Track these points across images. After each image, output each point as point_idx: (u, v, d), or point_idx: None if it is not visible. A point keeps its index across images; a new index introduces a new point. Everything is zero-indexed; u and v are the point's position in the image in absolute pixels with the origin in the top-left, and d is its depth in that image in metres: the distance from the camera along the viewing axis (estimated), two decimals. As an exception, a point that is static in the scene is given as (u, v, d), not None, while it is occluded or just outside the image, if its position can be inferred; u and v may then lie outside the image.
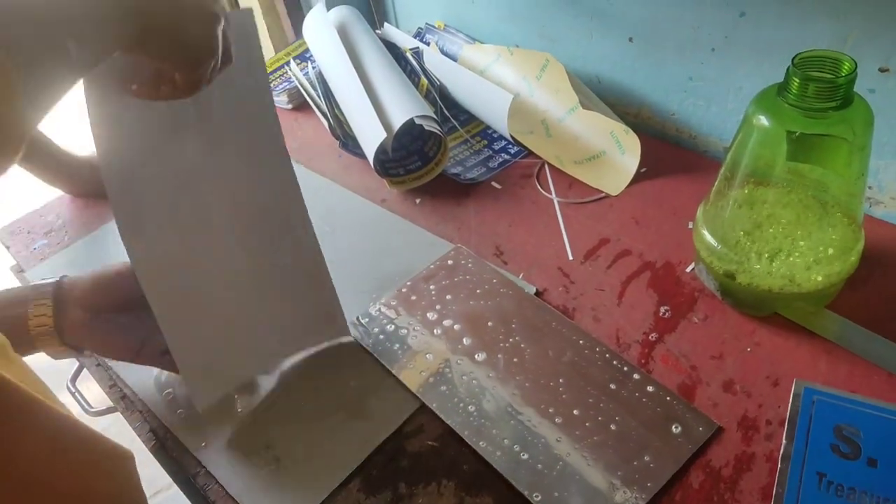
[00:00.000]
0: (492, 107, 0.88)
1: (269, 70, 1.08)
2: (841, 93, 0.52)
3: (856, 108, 0.53)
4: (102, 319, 0.58)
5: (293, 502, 0.56)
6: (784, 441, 0.54)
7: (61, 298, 0.57)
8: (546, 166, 0.86)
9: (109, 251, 0.83)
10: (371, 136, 0.82)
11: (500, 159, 0.88)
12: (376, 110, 0.83)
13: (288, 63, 1.04)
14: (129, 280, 0.57)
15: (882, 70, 0.65)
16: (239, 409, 0.63)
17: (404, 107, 0.83)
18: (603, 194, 0.81)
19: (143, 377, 0.67)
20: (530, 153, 0.88)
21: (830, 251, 0.60)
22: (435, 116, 0.83)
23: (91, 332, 0.58)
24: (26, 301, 0.56)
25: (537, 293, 0.70)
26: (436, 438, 0.59)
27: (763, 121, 0.56)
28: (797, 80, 0.53)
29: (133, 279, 0.55)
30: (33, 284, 0.58)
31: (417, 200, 0.84)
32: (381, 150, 0.84)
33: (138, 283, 0.54)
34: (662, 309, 0.66)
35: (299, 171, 0.90)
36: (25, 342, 0.55)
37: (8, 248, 0.87)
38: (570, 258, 0.73)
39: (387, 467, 0.57)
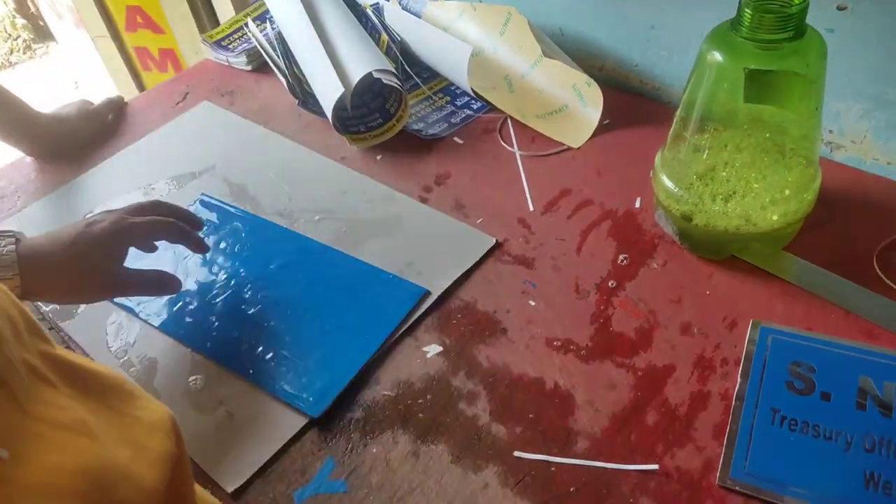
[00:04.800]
0: (452, 60, 0.86)
1: (228, 31, 1.06)
2: (794, 23, 0.51)
3: (809, 39, 0.52)
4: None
5: (247, 455, 0.55)
6: (739, 379, 0.54)
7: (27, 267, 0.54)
8: (509, 120, 0.84)
9: (63, 213, 0.81)
10: (329, 92, 0.80)
11: (463, 115, 0.87)
12: (335, 66, 0.81)
13: (247, 24, 1.01)
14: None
15: (840, 8, 0.64)
16: (191, 380, 0.61)
17: (363, 61, 0.81)
18: (565, 147, 0.80)
19: (95, 338, 0.66)
20: (493, 108, 0.86)
21: (787, 192, 0.59)
22: (394, 70, 0.81)
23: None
24: None
25: (497, 244, 0.69)
26: (391, 388, 0.58)
27: (717, 56, 0.55)
28: (749, 12, 0.52)
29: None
30: None
31: (378, 157, 0.82)
32: (341, 107, 0.82)
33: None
34: (621, 257, 0.66)
35: (258, 131, 0.89)
36: None
37: (-42, 214, 0.85)
38: (531, 209, 0.72)
39: (341, 419, 0.57)
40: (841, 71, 0.67)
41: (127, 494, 0.32)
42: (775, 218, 0.58)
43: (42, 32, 3.26)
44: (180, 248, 0.72)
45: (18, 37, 3.25)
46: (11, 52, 3.21)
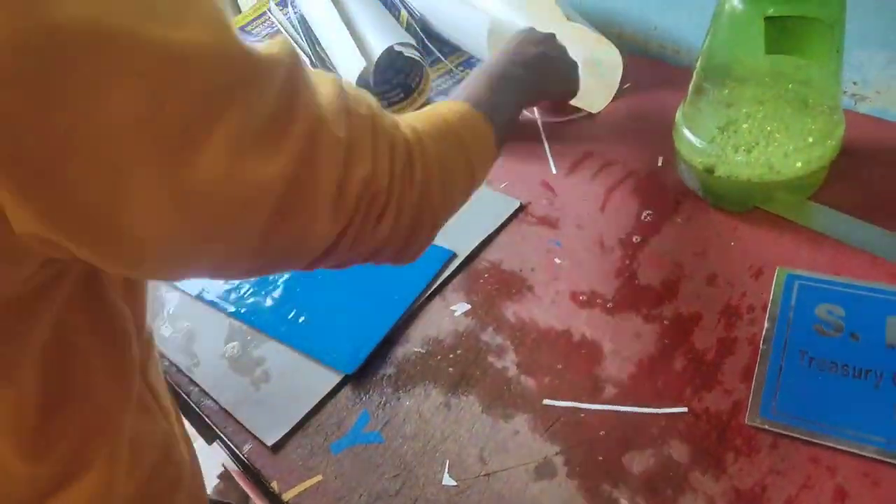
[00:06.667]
0: (471, 32, 0.87)
1: (251, 17, 1.08)
2: (810, -36, 0.51)
3: (826, -19, 0.52)
4: None
5: (285, 411, 0.57)
6: (766, 324, 0.54)
7: None
8: (529, 90, 0.85)
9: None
10: (352, 68, 0.82)
11: (484, 86, 0.87)
12: (356, 43, 0.83)
13: (269, 8, 1.03)
14: None
15: (860, -45, 0.63)
16: (229, 346, 0.64)
17: (384, 36, 0.82)
18: (586, 112, 0.80)
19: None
20: (513, 79, 0.87)
21: (810, 139, 0.59)
22: (414, 44, 0.83)
23: None
24: None
25: (521, 206, 0.70)
26: (421, 345, 0.60)
27: (735, 3, 0.55)
28: (765, -43, 0.52)
29: None
30: None
31: (401, 130, 0.84)
32: (363, 83, 0.84)
33: None
34: (645, 213, 0.66)
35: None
36: None
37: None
38: (554, 172, 0.73)
39: (374, 375, 0.58)
40: (862, 18, 0.66)
41: None
42: (799, 165, 0.58)
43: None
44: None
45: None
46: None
